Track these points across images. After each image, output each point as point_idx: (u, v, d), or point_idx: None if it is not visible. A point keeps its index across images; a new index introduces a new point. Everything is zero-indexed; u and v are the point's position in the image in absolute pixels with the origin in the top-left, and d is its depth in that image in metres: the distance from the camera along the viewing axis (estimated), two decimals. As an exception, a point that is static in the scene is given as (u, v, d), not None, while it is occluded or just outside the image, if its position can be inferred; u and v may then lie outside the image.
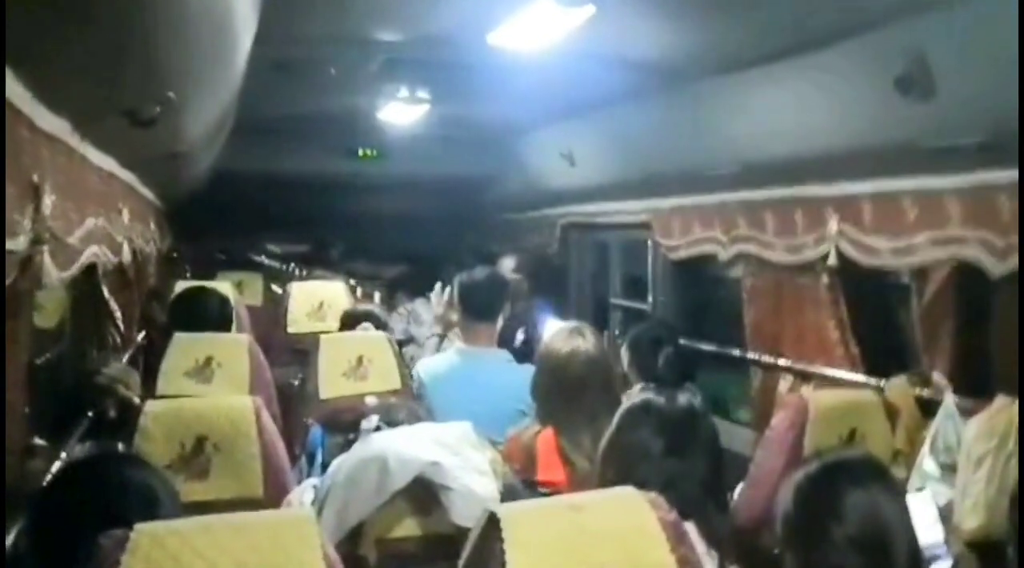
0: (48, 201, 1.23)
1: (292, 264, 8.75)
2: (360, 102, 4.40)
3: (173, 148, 2.43)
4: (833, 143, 2.72)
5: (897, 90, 2.26)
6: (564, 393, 2.57)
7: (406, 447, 1.99)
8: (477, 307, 3.36)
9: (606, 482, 1.89)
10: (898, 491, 1.68)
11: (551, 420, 2.56)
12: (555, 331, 2.81)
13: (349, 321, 3.78)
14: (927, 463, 2.47)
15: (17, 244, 1.09)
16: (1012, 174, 2.26)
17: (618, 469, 1.91)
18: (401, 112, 4.57)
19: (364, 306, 3.91)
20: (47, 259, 1.25)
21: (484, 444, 2.12)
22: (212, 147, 3.62)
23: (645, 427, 1.94)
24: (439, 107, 4.33)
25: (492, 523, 1.20)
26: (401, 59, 3.38)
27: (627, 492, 1.37)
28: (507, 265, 5.26)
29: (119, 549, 1.01)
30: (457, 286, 3.41)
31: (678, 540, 1.30)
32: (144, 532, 1.04)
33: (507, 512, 1.23)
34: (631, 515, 1.30)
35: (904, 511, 1.63)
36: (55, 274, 1.32)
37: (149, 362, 2.98)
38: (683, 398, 2.01)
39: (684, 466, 1.88)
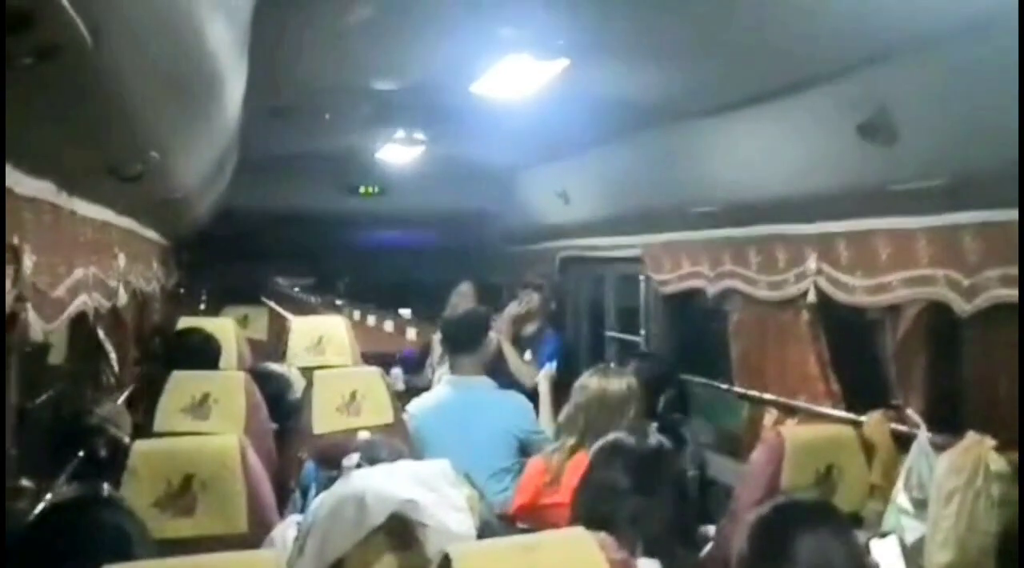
0: (28, 261, 1.32)
1: (300, 295, 8.90)
2: (358, 143, 4.52)
3: (166, 196, 2.53)
4: (807, 184, 2.80)
5: (860, 136, 2.34)
6: (597, 425, 2.72)
7: (383, 484, 2.05)
8: (457, 342, 3.48)
9: (577, 518, 1.95)
10: (851, 535, 1.72)
11: (583, 449, 2.67)
12: (592, 370, 3.06)
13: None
14: (900, 498, 2.50)
15: (-6, 306, 1.18)
16: (976, 215, 2.33)
17: (588, 506, 1.98)
18: (399, 152, 4.68)
19: (272, 364, 3.91)
20: (31, 314, 1.34)
21: (461, 481, 2.18)
22: (212, 189, 3.72)
23: (614, 466, 2.00)
24: (436, 147, 4.44)
25: (446, 563, 1.26)
26: (394, 104, 3.49)
27: (578, 533, 1.43)
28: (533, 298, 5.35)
29: None
30: (440, 322, 3.54)
31: (625, 579, 1.35)
32: None
33: (459, 553, 1.28)
34: (581, 556, 1.35)
35: (856, 555, 1.67)
36: (40, 327, 1.41)
37: (152, 398, 3.04)
38: (653, 439, 2.08)
39: (651, 504, 1.93)
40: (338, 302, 9.57)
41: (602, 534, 1.41)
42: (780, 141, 2.79)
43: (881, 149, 2.33)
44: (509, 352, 4.55)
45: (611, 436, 2.10)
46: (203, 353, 3.42)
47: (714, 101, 2.82)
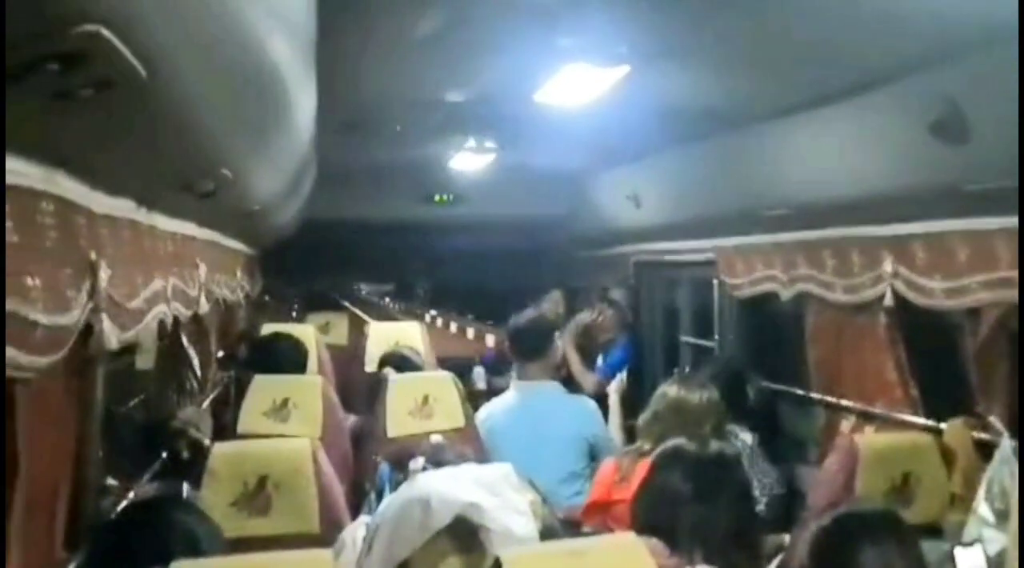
0: (104, 275, 1.42)
1: (381, 302, 9.13)
2: (431, 153, 4.61)
3: (242, 210, 2.64)
4: (879, 185, 2.73)
5: (932, 135, 2.27)
6: (672, 434, 2.73)
7: (448, 488, 2.09)
8: (524, 349, 3.51)
9: (635, 523, 1.95)
10: (917, 546, 1.67)
11: None
12: (673, 378, 3.12)
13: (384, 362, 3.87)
14: (982, 508, 2.42)
15: (71, 318, 1.27)
16: (1059, 216, 2.24)
17: (647, 511, 1.97)
18: (471, 160, 4.75)
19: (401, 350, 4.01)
20: (106, 324, 1.44)
21: (524, 486, 2.21)
22: (291, 202, 3.85)
23: (674, 472, 1.99)
24: (506, 155, 4.49)
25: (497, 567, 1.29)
26: (463, 115, 3.55)
27: (628, 538, 1.44)
28: (614, 294, 5.38)
29: None
30: (507, 329, 3.56)
31: (677, 586, 1.35)
32: None
33: (510, 557, 1.31)
34: (631, 561, 1.35)
35: (921, 565, 1.62)
36: (116, 336, 1.51)
37: (237, 402, 3.17)
38: (715, 445, 2.06)
39: (711, 512, 1.91)
40: (420, 311, 9.76)
41: (653, 540, 1.42)
42: (851, 142, 2.73)
43: (954, 148, 2.26)
44: (572, 358, 4.58)
45: (672, 442, 2.10)
46: (294, 358, 3.55)
47: (782, 103, 2.78)
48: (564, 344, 4.25)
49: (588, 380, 4.55)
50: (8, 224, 1.04)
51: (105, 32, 0.78)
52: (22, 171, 1.10)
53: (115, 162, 1.36)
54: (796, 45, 2.35)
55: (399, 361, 3.77)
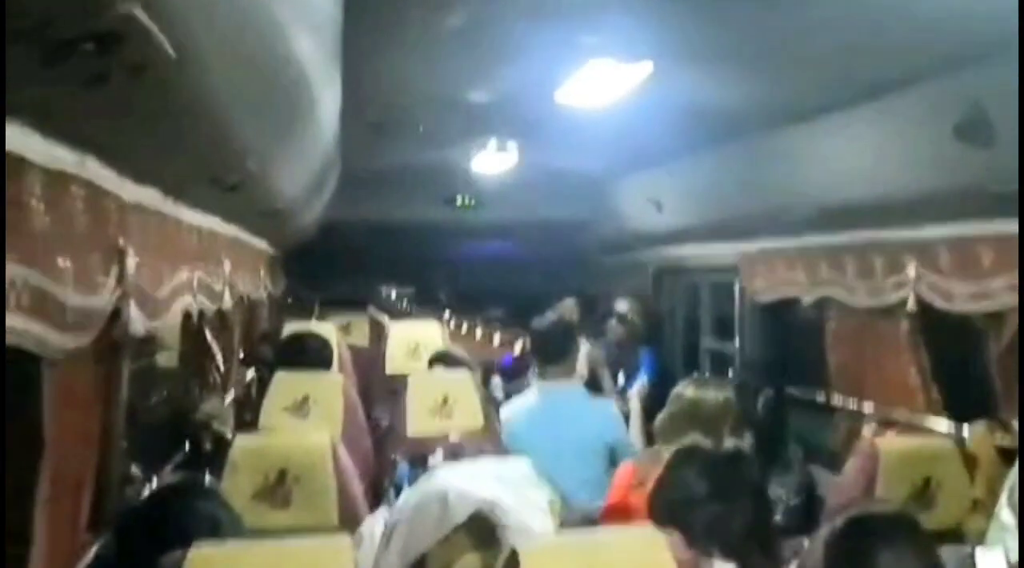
0: (131, 262, 1.44)
1: (402, 305, 9.16)
2: (453, 155, 4.63)
3: (267, 206, 2.67)
4: (903, 187, 2.71)
5: (956, 137, 2.26)
6: (689, 435, 2.72)
7: (466, 483, 2.10)
8: (547, 354, 3.51)
9: (653, 522, 1.94)
10: (933, 549, 1.65)
11: None
12: (688, 380, 3.03)
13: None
14: (1004, 514, 2.39)
15: (101, 301, 1.30)
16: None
17: (662, 511, 1.96)
18: (492, 163, 4.77)
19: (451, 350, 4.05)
20: (133, 311, 1.46)
21: (543, 483, 2.22)
22: (315, 201, 3.89)
23: (690, 471, 1.98)
24: (528, 157, 4.50)
25: (513, 559, 1.28)
26: (485, 115, 3.57)
27: (646, 531, 1.43)
28: (620, 307, 5.37)
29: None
30: (529, 334, 3.56)
31: (694, 578, 1.34)
32: (199, 553, 1.17)
33: (527, 549, 1.31)
34: (648, 553, 1.34)
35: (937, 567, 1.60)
36: (142, 322, 1.53)
37: (259, 399, 3.19)
38: (730, 443, 2.05)
39: (727, 511, 1.90)
40: (441, 315, 9.77)
41: (670, 532, 1.40)
42: (874, 144, 2.71)
43: (979, 150, 2.25)
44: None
45: (687, 440, 2.09)
46: (321, 356, 3.58)
47: (806, 105, 2.77)
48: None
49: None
50: (40, 206, 1.06)
51: (139, 14, 0.81)
52: (56, 155, 1.13)
53: (144, 149, 1.39)
54: (821, 47, 2.34)
55: (449, 360, 3.80)
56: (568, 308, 5.45)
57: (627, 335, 5.06)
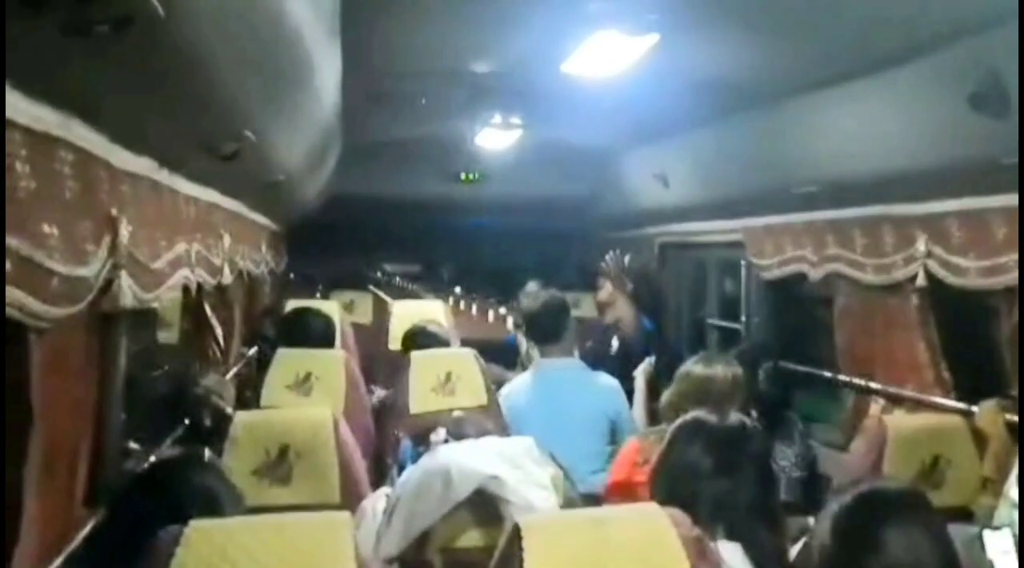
0: (125, 232, 1.41)
1: (405, 283, 9.13)
2: (457, 129, 4.58)
3: (267, 178, 2.63)
4: (914, 160, 2.66)
5: (971, 107, 2.20)
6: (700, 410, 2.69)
7: (469, 460, 2.08)
8: (542, 333, 3.50)
9: (654, 498, 1.91)
10: (942, 526, 1.62)
11: None
12: (696, 357, 3.01)
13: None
14: (1013, 492, 2.36)
15: (89, 271, 1.26)
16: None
17: (666, 486, 1.93)
18: (497, 137, 4.72)
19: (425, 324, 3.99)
20: (125, 283, 1.43)
21: (546, 459, 2.19)
22: (316, 173, 3.84)
23: (695, 445, 1.94)
24: (533, 131, 4.45)
25: (516, 534, 1.24)
26: (489, 88, 3.52)
27: (650, 508, 1.40)
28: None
29: (175, 543, 1.12)
30: (522, 312, 3.55)
31: (699, 556, 1.30)
32: (197, 528, 1.15)
33: (529, 524, 1.28)
34: (652, 530, 1.31)
35: (946, 544, 1.56)
36: (135, 295, 1.50)
37: (260, 376, 3.19)
38: (734, 417, 2.01)
39: (733, 486, 1.86)
40: (445, 292, 9.74)
41: (675, 510, 1.37)
42: (885, 115, 2.65)
43: (993, 120, 2.19)
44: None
45: (691, 414, 2.04)
46: (323, 333, 3.57)
47: (815, 75, 2.71)
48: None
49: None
50: (24, 168, 1.02)
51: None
52: (37, 114, 1.08)
53: (133, 113, 1.35)
54: (830, 16, 2.28)
55: (424, 338, 3.76)
56: (531, 294, 5.31)
57: (614, 291, 4.92)
